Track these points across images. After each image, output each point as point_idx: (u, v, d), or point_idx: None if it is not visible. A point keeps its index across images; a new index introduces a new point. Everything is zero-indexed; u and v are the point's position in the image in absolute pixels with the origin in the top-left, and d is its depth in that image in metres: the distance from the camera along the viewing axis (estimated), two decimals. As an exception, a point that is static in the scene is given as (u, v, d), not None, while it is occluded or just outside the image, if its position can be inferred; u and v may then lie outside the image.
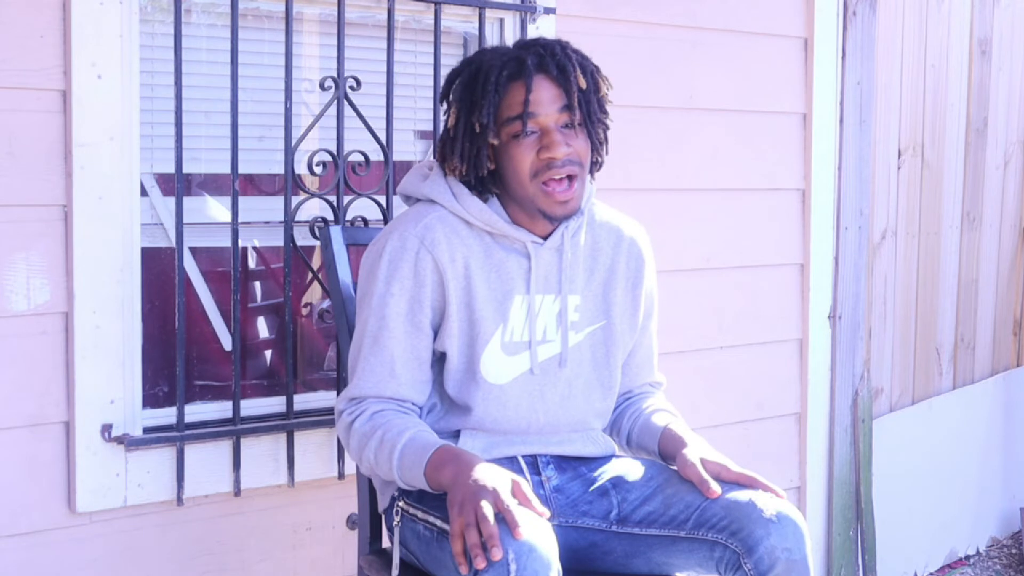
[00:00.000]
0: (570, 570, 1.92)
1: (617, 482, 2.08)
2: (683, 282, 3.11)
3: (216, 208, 2.57)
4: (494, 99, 1.99)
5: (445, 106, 2.09)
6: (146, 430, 2.37)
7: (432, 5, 2.67)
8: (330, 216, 2.57)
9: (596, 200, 2.19)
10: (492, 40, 2.81)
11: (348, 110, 2.57)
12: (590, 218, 2.16)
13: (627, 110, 2.93)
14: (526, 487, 1.80)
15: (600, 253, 2.16)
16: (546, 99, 1.99)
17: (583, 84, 2.01)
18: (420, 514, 1.95)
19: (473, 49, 2.77)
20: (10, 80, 2.20)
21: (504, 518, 1.73)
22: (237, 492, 2.46)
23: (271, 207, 2.59)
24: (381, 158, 2.64)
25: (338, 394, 2.54)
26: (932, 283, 4.07)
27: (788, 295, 3.40)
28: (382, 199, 2.63)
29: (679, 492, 2.00)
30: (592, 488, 2.09)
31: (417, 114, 2.78)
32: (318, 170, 2.55)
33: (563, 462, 2.13)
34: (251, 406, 2.54)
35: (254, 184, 2.62)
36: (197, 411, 2.47)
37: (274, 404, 2.57)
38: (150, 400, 2.44)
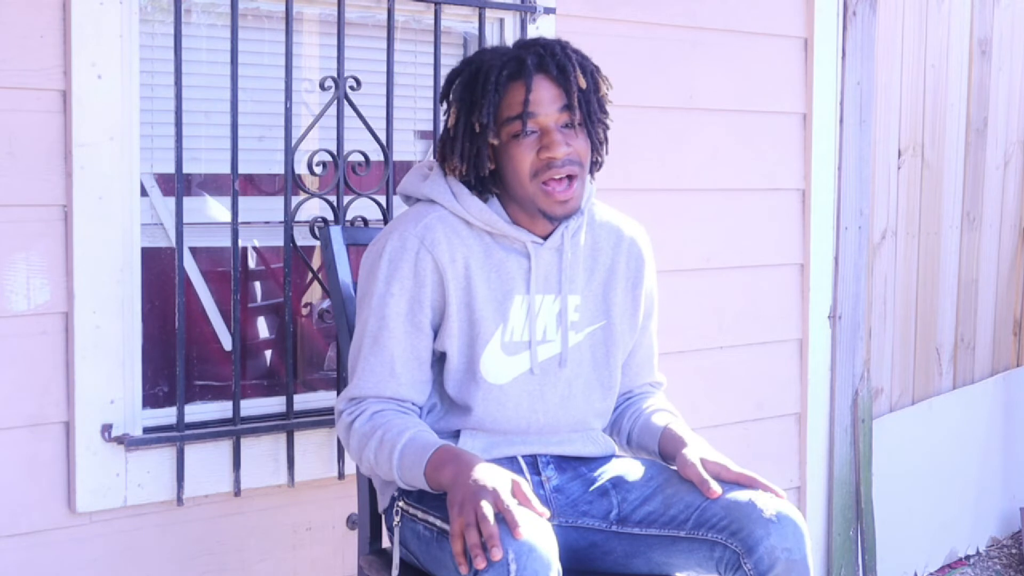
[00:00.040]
0: (570, 570, 1.92)
1: (617, 482, 2.08)
2: (683, 282, 3.11)
3: (216, 208, 2.57)
4: (494, 99, 1.99)
5: (445, 106, 2.09)
6: (146, 430, 2.37)
7: (432, 5, 2.67)
8: (330, 216, 2.57)
9: (596, 200, 2.19)
10: (492, 40, 2.81)
11: (348, 110, 2.57)
12: (590, 218, 2.16)
13: (627, 110, 2.93)
14: (526, 487, 1.80)
15: (600, 253, 2.16)
16: (546, 99, 1.99)
17: (583, 84, 2.01)
18: (420, 514, 1.95)
19: (473, 49, 2.77)
20: (10, 80, 2.20)
21: (504, 518, 1.73)
22: (237, 492, 2.46)
23: (271, 207, 2.59)
24: (381, 158, 2.64)
25: (338, 394, 2.54)
26: (932, 283, 4.07)
27: (788, 295, 3.40)
28: (382, 199, 2.63)
29: (679, 492, 2.00)
30: (592, 488, 2.09)
31: (417, 114, 2.78)
32: (318, 170, 2.55)
33: (563, 462, 2.13)
34: (251, 406, 2.54)
35: (254, 184, 2.62)
36: (197, 411, 2.47)
37: (274, 404, 2.57)
38: (150, 400, 2.44)
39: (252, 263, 2.67)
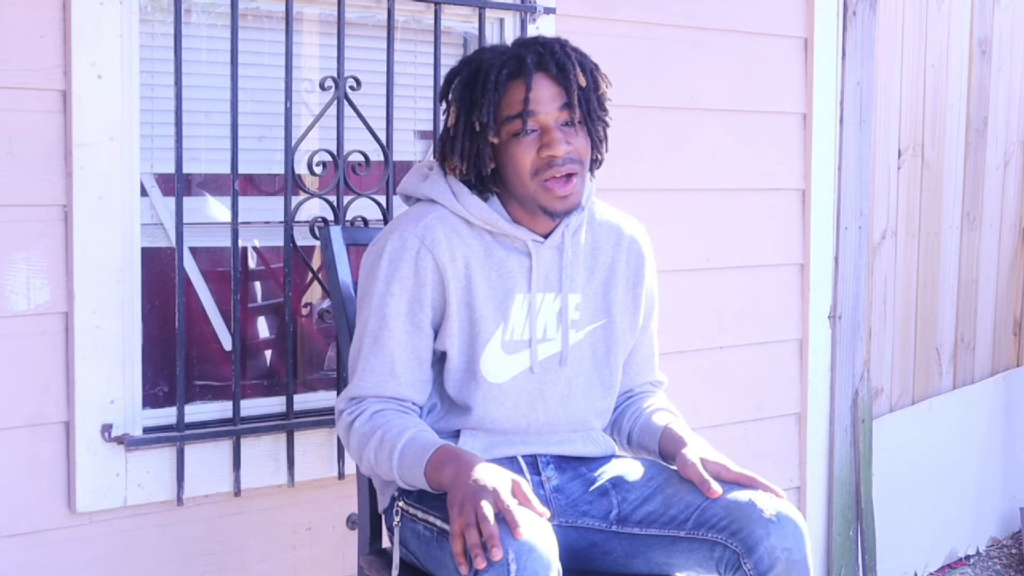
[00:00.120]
0: (570, 570, 1.92)
1: (617, 482, 2.08)
2: (683, 282, 3.11)
3: (216, 208, 2.57)
4: (494, 98, 1.99)
5: (444, 105, 2.09)
6: (146, 430, 2.37)
7: (432, 5, 2.67)
8: (330, 216, 2.57)
9: (596, 199, 2.19)
10: (492, 40, 2.81)
11: (348, 110, 2.57)
12: (590, 217, 2.16)
13: (627, 110, 2.93)
14: (526, 487, 1.80)
15: (600, 252, 2.16)
16: (546, 97, 1.99)
17: (583, 82, 2.01)
18: (420, 514, 1.95)
19: (473, 49, 2.77)
20: (10, 80, 2.20)
21: (504, 518, 1.73)
22: (237, 492, 2.46)
23: (271, 207, 2.59)
24: (381, 158, 2.64)
25: (338, 394, 2.54)
26: (932, 283, 4.07)
27: (788, 295, 3.40)
28: (382, 199, 2.63)
29: (679, 492, 2.00)
30: (592, 488, 2.09)
31: (417, 114, 2.78)
32: (318, 170, 2.55)
33: (563, 462, 2.13)
34: (251, 406, 2.53)
35: (254, 184, 2.62)
36: (197, 411, 2.47)
37: (274, 404, 2.57)
38: (150, 400, 2.44)
39: (252, 263, 2.67)
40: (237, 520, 2.49)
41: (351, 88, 2.57)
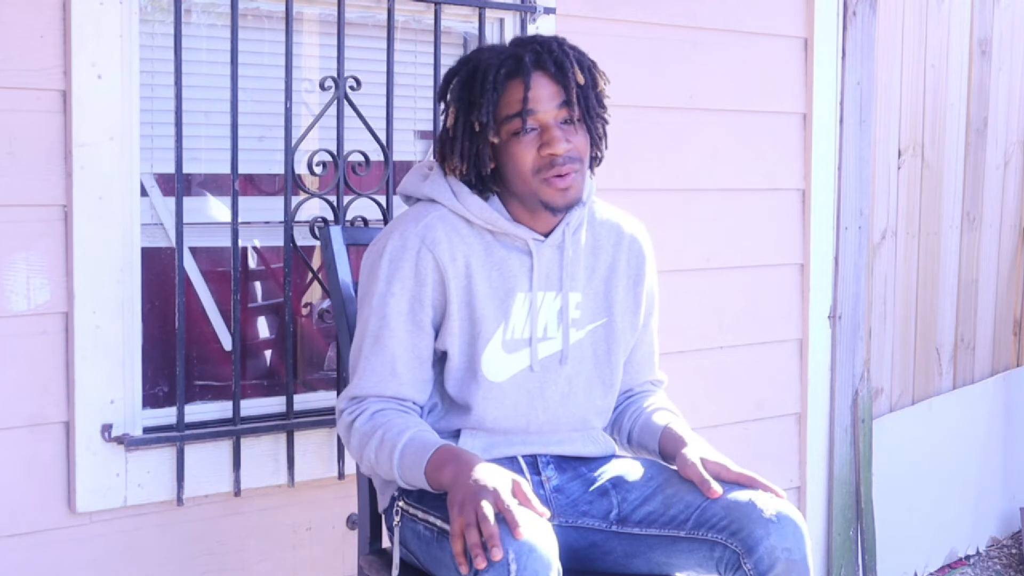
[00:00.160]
0: (570, 570, 1.92)
1: (617, 482, 2.08)
2: (683, 282, 3.11)
3: (216, 208, 2.57)
4: (492, 97, 2.00)
5: (443, 106, 2.09)
6: (146, 430, 2.37)
7: (432, 5, 2.67)
8: (330, 216, 2.57)
9: (596, 198, 2.20)
10: (492, 40, 2.81)
11: (348, 110, 2.57)
12: (590, 216, 2.16)
13: (627, 110, 2.93)
14: (526, 487, 1.80)
15: (601, 251, 2.16)
16: (545, 96, 1.99)
17: (581, 80, 2.01)
18: (420, 514, 1.95)
19: (473, 49, 2.77)
20: (10, 80, 2.20)
21: (504, 518, 1.73)
22: (237, 492, 2.46)
23: (271, 207, 2.59)
24: (381, 158, 2.64)
25: (338, 394, 2.54)
26: (932, 283, 4.07)
27: (788, 295, 3.40)
28: (382, 199, 2.63)
29: (679, 492, 2.00)
30: (592, 488, 2.09)
31: (417, 114, 2.78)
32: (318, 170, 2.55)
33: (563, 462, 2.13)
34: (251, 406, 2.53)
35: (254, 184, 2.62)
36: (197, 411, 2.47)
37: (274, 404, 2.56)
38: (150, 400, 2.44)
39: (252, 263, 2.67)
40: (237, 520, 2.49)
41: (351, 88, 2.57)
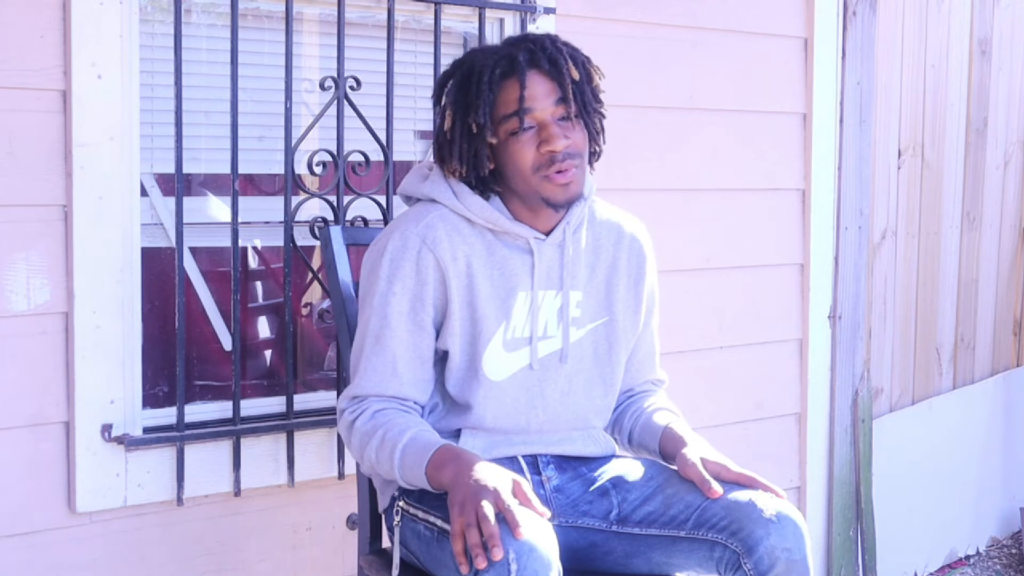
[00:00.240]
0: (570, 570, 1.92)
1: (617, 482, 2.08)
2: (683, 282, 3.11)
3: (216, 208, 2.57)
4: (489, 98, 2.00)
5: (437, 109, 2.09)
6: (146, 430, 2.37)
7: (432, 5, 2.67)
8: (330, 216, 2.57)
9: (596, 198, 2.20)
10: (492, 40, 2.80)
11: (348, 110, 2.57)
12: (591, 216, 2.16)
13: (627, 110, 2.93)
14: (527, 487, 1.80)
15: (602, 250, 2.16)
16: (541, 93, 2.00)
17: (576, 75, 2.02)
18: (420, 514, 1.95)
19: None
20: (10, 80, 2.20)
21: (505, 518, 1.73)
22: (237, 492, 2.46)
23: (271, 207, 2.59)
24: (381, 158, 2.64)
25: (338, 394, 2.54)
26: (932, 283, 4.07)
27: (788, 295, 3.39)
28: (382, 199, 2.63)
29: (679, 492, 2.00)
30: (592, 488, 2.09)
31: (417, 114, 2.78)
32: (318, 170, 2.55)
33: (563, 462, 2.13)
34: (251, 406, 2.53)
35: (254, 184, 2.62)
36: (197, 411, 2.47)
37: (274, 404, 2.56)
38: (150, 400, 2.44)
39: (252, 263, 2.67)
40: (237, 520, 2.49)
41: (351, 88, 2.57)
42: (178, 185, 2.37)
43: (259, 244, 2.65)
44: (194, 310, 2.55)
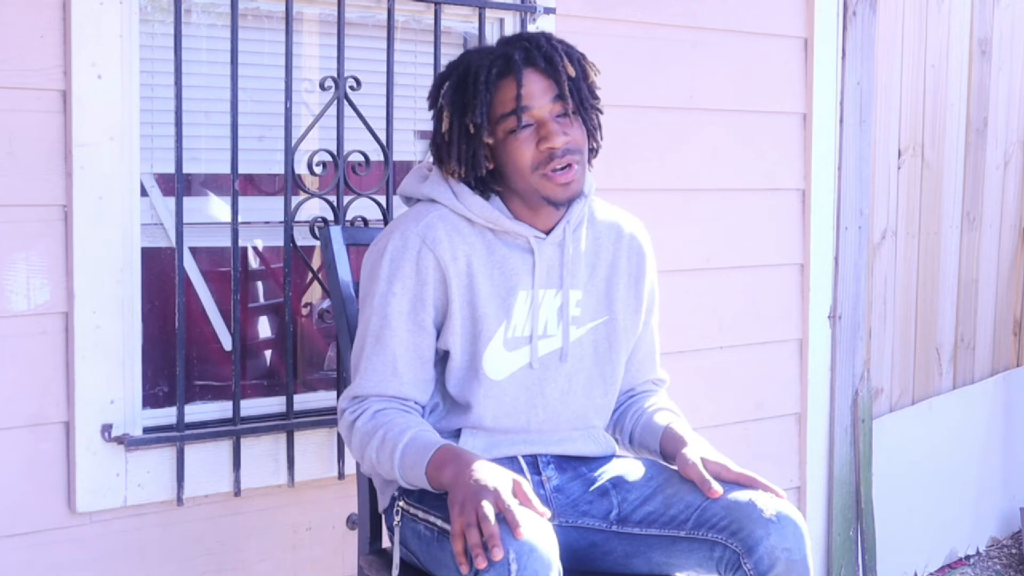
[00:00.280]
0: (570, 570, 1.92)
1: (617, 482, 2.08)
2: (683, 282, 3.11)
3: (216, 208, 2.57)
4: (486, 98, 2.00)
5: (435, 111, 2.09)
6: (146, 430, 2.37)
7: (432, 5, 2.67)
8: (330, 216, 2.57)
9: (595, 197, 2.20)
10: (492, 41, 2.80)
11: (348, 110, 2.57)
12: (590, 215, 2.16)
13: (627, 110, 2.94)
14: (527, 487, 1.80)
15: (601, 250, 2.16)
16: (538, 91, 2.00)
17: (572, 72, 2.02)
18: (420, 514, 1.95)
19: (473, 49, 2.77)
20: (10, 80, 2.20)
21: (505, 518, 1.73)
22: (237, 492, 2.46)
23: (271, 207, 2.59)
24: (381, 158, 2.64)
25: (338, 394, 2.55)
26: (932, 283, 4.07)
27: (788, 295, 3.39)
28: (382, 199, 2.63)
29: (679, 492, 2.00)
30: (592, 488, 2.09)
31: (417, 114, 2.78)
32: (318, 170, 2.55)
33: (563, 462, 2.13)
34: (251, 406, 2.53)
35: (254, 184, 2.62)
36: (197, 411, 2.47)
37: (274, 404, 2.56)
38: (150, 400, 2.44)
39: (252, 263, 2.67)
40: (237, 520, 2.49)
41: (351, 88, 2.57)
42: (178, 185, 2.37)
43: (259, 244, 2.65)
44: (194, 310, 2.55)
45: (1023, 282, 4.52)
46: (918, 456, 3.95)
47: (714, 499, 1.94)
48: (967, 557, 4.17)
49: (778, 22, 3.30)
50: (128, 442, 2.32)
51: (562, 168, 2.00)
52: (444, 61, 2.67)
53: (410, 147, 2.79)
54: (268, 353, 2.71)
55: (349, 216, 2.60)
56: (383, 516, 2.13)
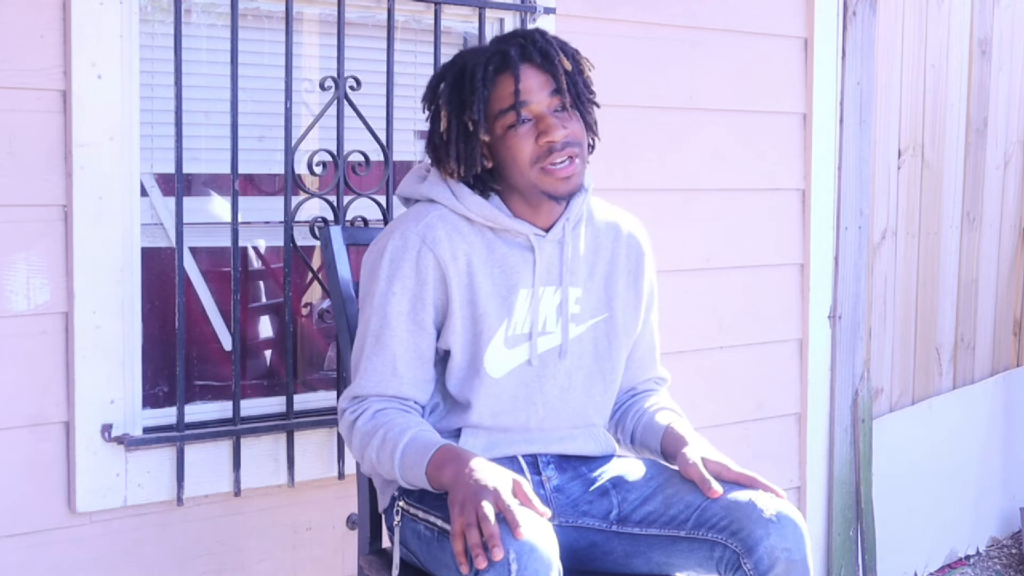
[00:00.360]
0: (570, 570, 1.92)
1: (617, 482, 2.08)
2: (683, 282, 3.11)
3: (216, 208, 2.57)
4: (483, 95, 2.00)
5: (430, 112, 2.09)
6: (146, 430, 2.37)
7: (432, 5, 2.67)
8: (330, 216, 2.57)
9: (594, 197, 2.20)
10: (492, 40, 2.81)
11: (348, 110, 2.57)
12: (589, 215, 2.16)
13: (627, 110, 2.93)
14: (527, 487, 1.80)
15: (601, 248, 2.16)
16: (535, 86, 2.00)
17: (568, 67, 2.02)
18: (421, 514, 1.95)
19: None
20: (10, 80, 2.20)
21: (505, 518, 1.73)
22: (237, 492, 2.46)
23: (271, 207, 2.59)
24: (381, 158, 2.64)
25: (338, 394, 2.55)
26: (932, 283, 4.07)
27: (788, 295, 3.39)
28: (382, 199, 2.63)
29: (679, 492, 2.00)
30: (592, 488, 2.09)
31: (417, 114, 2.78)
32: (318, 170, 2.55)
33: (563, 462, 2.13)
34: (251, 406, 2.53)
35: (254, 184, 2.62)
36: (197, 411, 2.47)
37: (274, 404, 2.56)
38: (150, 400, 2.44)
39: (252, 263, 2.67)
40: (237, 520, 2.49)
41: (351, 88, 2.57)
42: (178, 185, 2.37)
43: (259, 244, 2.65)
44: (194, 310, 2.55)
45: (1023, 282, 4.52)
46: (918, 456, 3.95)
47: (714, 499, 1.94)
48: (967, 557, 4.17)
49: (778, 22, 3.30)
50: (128, 442, 2.32)
51: (563, 161, 2.00)
52: (444, 61, 2.67)
53: (410, 147, 2.79)
54: (268, 353, 2.71)
55: (349, 216, 2.60)
56: (383, 516, 2.13)
